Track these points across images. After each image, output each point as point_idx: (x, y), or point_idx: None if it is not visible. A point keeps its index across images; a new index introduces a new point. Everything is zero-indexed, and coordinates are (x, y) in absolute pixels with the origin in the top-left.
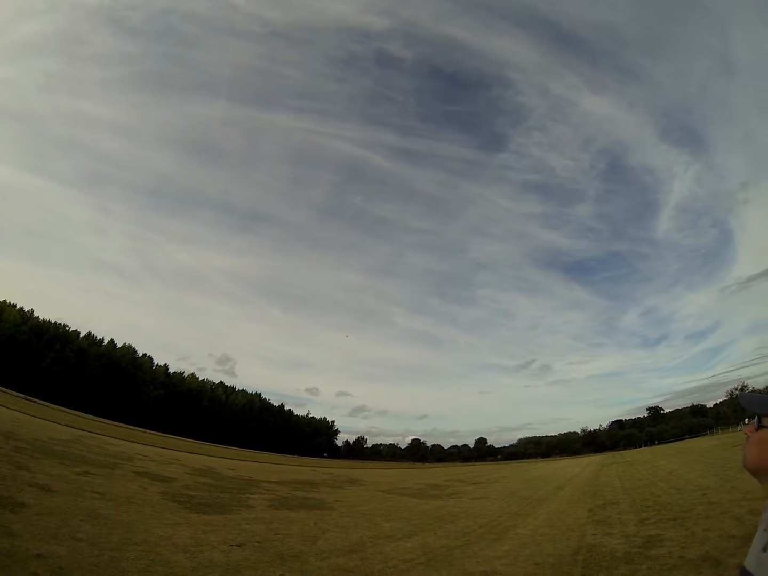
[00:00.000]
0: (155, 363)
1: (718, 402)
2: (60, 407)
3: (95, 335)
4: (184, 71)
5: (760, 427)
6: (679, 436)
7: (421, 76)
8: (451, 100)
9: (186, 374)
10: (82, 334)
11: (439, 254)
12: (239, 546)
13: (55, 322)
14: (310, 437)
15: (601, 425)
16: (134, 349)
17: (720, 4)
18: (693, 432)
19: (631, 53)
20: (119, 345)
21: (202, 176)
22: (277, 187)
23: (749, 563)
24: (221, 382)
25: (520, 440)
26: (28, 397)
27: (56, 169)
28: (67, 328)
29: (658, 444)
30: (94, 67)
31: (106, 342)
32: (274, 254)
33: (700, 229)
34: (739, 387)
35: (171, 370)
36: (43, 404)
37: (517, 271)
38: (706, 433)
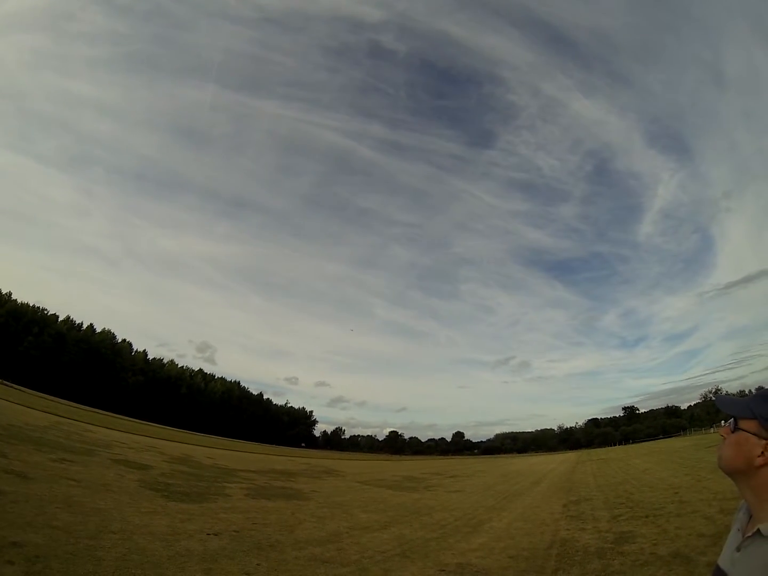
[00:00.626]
0: (134, 349)
1: (692, 404)
2: (37, 392)
3: (74, 320)
4: (173, 53)
5: (735, 429)
6: (653, 436)
7: (413, 69)
8: (442, 95)
9: (165, 361)
10: (60, 318)
11: (422, 248)
12: (216, 535)
13: (34, 306)
14: (289, 427)
15: (577, 423)
16: (113, 334)
17: (714, 17)
18: (667, 432)
19: (624, 59)
20: (98, 330)
21: (188, 161)
22: (262, 175)
23: (723, 562)
24: (200, 370)
25: (497, 435)
26: (4, 382)
27: (39, 148)
28: (46, 312)
29: (632, 443)
30: (83, 45)
31: (85, 327)
32: (257, 242)
33: (682, 235)
34: (714, 390)
35: (150, 357)
36: (19, 389)
37: (500, 268)
38: (680, 434)
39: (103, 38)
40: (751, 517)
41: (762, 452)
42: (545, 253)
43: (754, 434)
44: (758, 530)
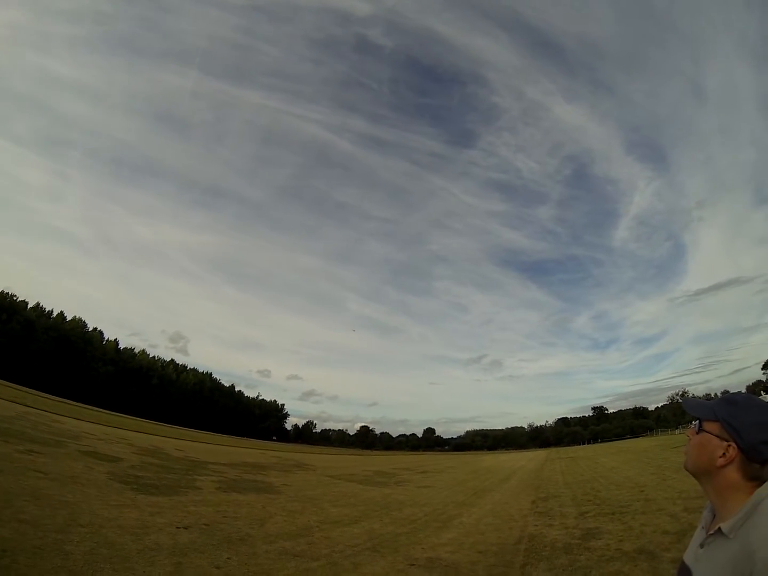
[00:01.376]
0: (106, 338)
1: (659, 405)
2: (4, 381)
3: (44, 307)
4: (157, 37)
5: (700, 430)
6: (620, 436)
7: (398, 65)
8: (425, 92)
9: (137, 351)
10: (30, 305)
11: (398, 244)
12: (186, 528)
13: (2, 291)
14: (260, 419)
15: (547, 421)
16: (84, 322)
17: (699, 32)
18: (634, 432)
19: (608, 68)
20: (69, 318)
21: (166, 148)
22: (241, 165)
23: (688, 558)
24: (172, 360)
25: (467, 432)
26: None
27: (13, 128)
28: (15, 298)
29: (600, 442)
30: (64, 23)
31: (55, 314)
32: (232, 232)
33: (656, 242)
34: (681, 393)
35: (121, 346)
36: None
37: (475, 267)
38: (647, 434)
39: (85, 16)
40: (714, 515)
41: (723, 453)
42: (520, 254)
43: (717, 436)
44: (719, 528)
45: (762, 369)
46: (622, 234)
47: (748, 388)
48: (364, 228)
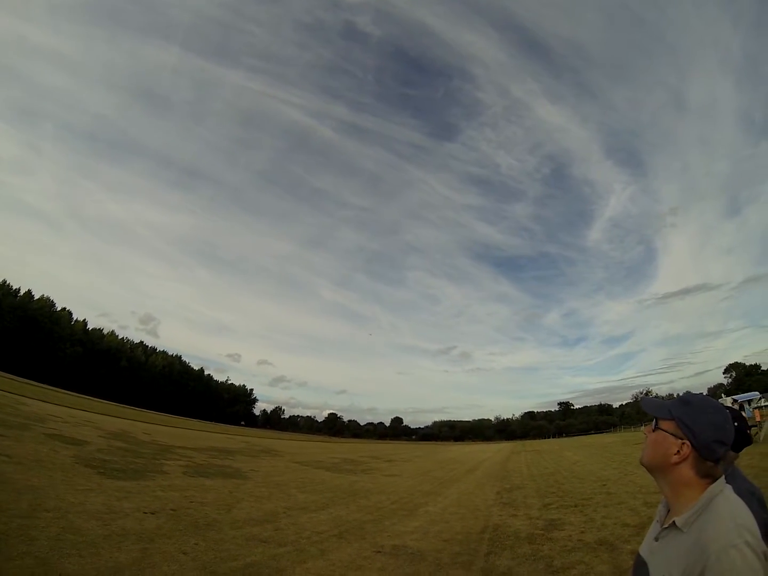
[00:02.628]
0: (74, 318)
1: (623, 403)
2: None
3: (10, 285)
4: (140, 10)
5: (656, 428)
6: (585, 431)
7: (384, 55)
8: (410, 83)
9: (105, 332)
10: None
11: (372, 232)
12: (153, 514)
13: None
14: (228, 404)
15: (514, 415)
16: (52, 301)
17: (686, 45)
18: (598, 428)
19: (593, 73)
20: (36, 297)
21: (144, 125)
22: (220, 146)
23: (643, 550)
24: (141, 342)
25: (435, 422)
26: None
27: None
28: None
29: (565, 437)
30: None
31: (22, 293)
32: (206, 214)
33: (628, 245)
34: (644, 392)
35: (90, 327)
36: None
37: (449, 259)
38: (610, 431)
39: None
40: (669, 510)
41: (678, 451)
42: (494, 249)
43: (672, 434)
44: (674, 522)
45: (723, 373)
46: (595, 235)
47: (710, 390)
48: (339, 215)
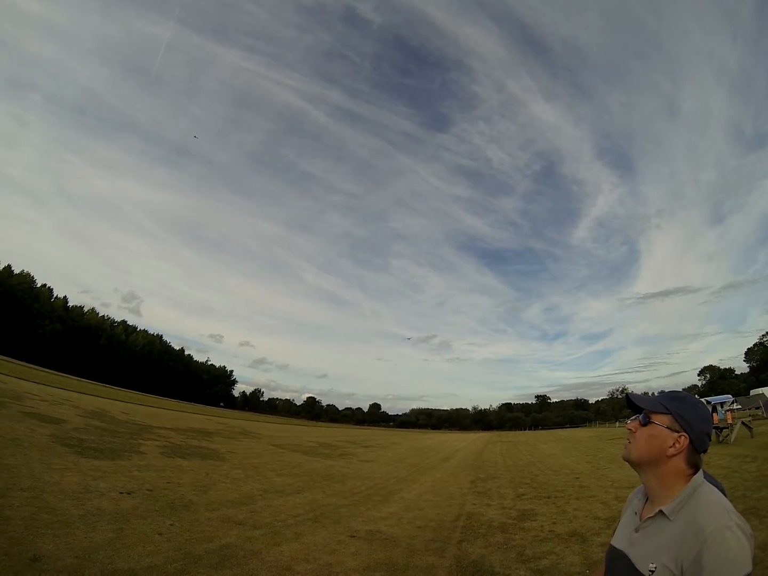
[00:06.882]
0: (55, 295)
1: (599, 399)
2: None
3: None
4: None
5: (649, 422)
6: (561, 425)
7: (383, 42)
8: (407, 72)
9: (86, 309)
10: None
11: (359, 218)
12: (129, 494)
13: None
14: (208, 385)
15: (491, 405)
16: (33, 277)
17: (683, 54)
18: (574, 422)
19: (589, 74)
20: (16, 272)
21: (134, 100)
22: (211, 125)
23: (618, 542)
24: (123, 321)
25: (412, 410)
26: None
27: None
28: None
29: (541, 429)
30: None
31: (1, 267)
32: (193, 193)
33: (612, 245)
34: (621, 389)
35: (71, 304)
36: None
37: (434, 248)
38: (586, 425)
39: None
40: (647, 501)
41: (673, 444)
42: (480, 241)
43: (668, 428)
44: (660, 511)
45: (698, 375)
46: (581, 233)
47: (684, 390)
48: (327, 200)
